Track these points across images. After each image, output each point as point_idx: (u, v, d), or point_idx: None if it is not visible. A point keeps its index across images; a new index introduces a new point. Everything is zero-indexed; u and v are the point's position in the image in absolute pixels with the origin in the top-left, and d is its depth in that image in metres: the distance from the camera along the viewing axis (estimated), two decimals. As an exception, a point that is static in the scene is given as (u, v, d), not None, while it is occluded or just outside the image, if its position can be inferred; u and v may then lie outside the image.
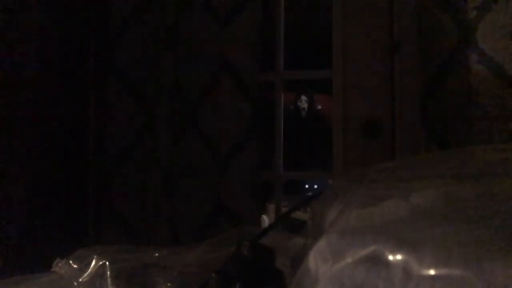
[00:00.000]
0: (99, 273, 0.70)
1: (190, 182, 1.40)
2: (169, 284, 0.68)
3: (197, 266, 0.71)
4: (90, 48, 1.50)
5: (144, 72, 1.49)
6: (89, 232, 1.48)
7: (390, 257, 0.38)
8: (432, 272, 0.37)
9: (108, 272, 0.70)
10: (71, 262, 0.73)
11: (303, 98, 2.00)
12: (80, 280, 0.70)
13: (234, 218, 1.34)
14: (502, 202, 0.41)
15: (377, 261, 0.38)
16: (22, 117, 1.38)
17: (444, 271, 0.36)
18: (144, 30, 1.49)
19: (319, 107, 2.03)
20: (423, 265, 0.37)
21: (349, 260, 0.40)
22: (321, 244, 0.42)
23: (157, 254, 0.75)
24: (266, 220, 1.73)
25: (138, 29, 1.49)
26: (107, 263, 0.70)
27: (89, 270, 0.70)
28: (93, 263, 0.71)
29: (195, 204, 1.39)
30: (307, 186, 2.07)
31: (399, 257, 0.38)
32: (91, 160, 1.50)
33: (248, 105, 1.36)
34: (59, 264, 0.73)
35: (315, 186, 2.03)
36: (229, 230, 1.26)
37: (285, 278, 0.57)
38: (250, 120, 1.35)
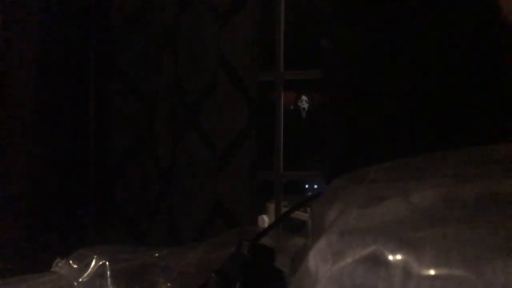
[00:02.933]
0: (99, 273, 0.70)
1: (190, 182, 1.40)
2: (169, 284, 0.69)
3: (197, 266, 0.71)
4: (90, 48, 1.50)
5: (145, 72, 1.49)
6: (90, 232, 1.48)
7: (390, 257, 0.38)
8: (432, 272, 0.37)
9: (108, 272, 0.70)
10: (71, 262, 0.73)
11: (304, 98, 2.00)
12: (80, 280, 0.70)
13: (232, 218, 1.34)
14: (502, 202, 0.41)
15: (377, 261, 0.38)
16: (22, 117, 1.38)
17: (444, 271, 0.36)
18: (145, 30, 1.48)
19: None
20: (423, 265, 0.37)
21: (349, 260, 0.40)
22: (321, 244, 0.42)
23: (157, 254, 0.75)
24: (266, 220, 1.73)
25: (139, 29, 1.49)
26: (107, 263, 0.70)
27: (89, 270, 0.71)
28: (93, 263, 0.71)
29: (194, 204, 1.39)
30: (307, 186, 2.07)
31: (399, 257, 0.38)
32: (92, 160, 1.50)
33: (246, 105, 1.35)
34: (59, 264, 0.73)
35: (315, 186, 2.03)
36: (228, 230, 1.26)
37: (285, 278, 0.57)
38: (248, 119, 1.35)
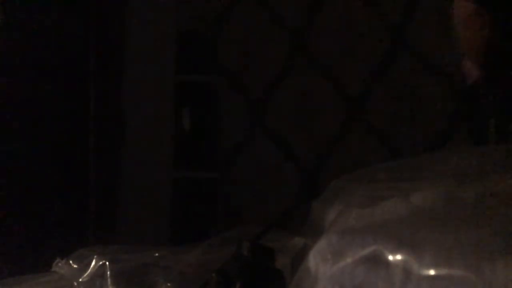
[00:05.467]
0: (99, 273, 0.70)
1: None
2: (169, 284, 0.68)
3: (197, 266, 0.71)
4: (90, 48, 1.50)
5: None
6: (90, 232, 1.48)
7: (390, 257, 0.38)
8: (432, 272, 0.37)
9: (108, 272, 0.70)
10: (71, 262, 0.72)
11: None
12: (80, 280, 0.70)
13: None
14: (502, 202, 0.41)
15: (377, 261, 0.38)
16: (22, 116, 1.38)
17: (444, 271, 0.36)
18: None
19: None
20: (423, 265, 0.37)
21: (349, 260, 0.40)
22: (321, 244, 0.42)
23: (157, 254, 0.74)
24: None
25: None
26: (107, 263, 0.70)
27: (89, 270, 0.70)
28: (93, 263, 0.71)
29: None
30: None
31: (399, 257, 0.38)
32: (92, 160, 1.50)
33: None
34: (59, 264, 0.73)
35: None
36: (228, 230, 1.26)
37: (285, 278, 0.57)
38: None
